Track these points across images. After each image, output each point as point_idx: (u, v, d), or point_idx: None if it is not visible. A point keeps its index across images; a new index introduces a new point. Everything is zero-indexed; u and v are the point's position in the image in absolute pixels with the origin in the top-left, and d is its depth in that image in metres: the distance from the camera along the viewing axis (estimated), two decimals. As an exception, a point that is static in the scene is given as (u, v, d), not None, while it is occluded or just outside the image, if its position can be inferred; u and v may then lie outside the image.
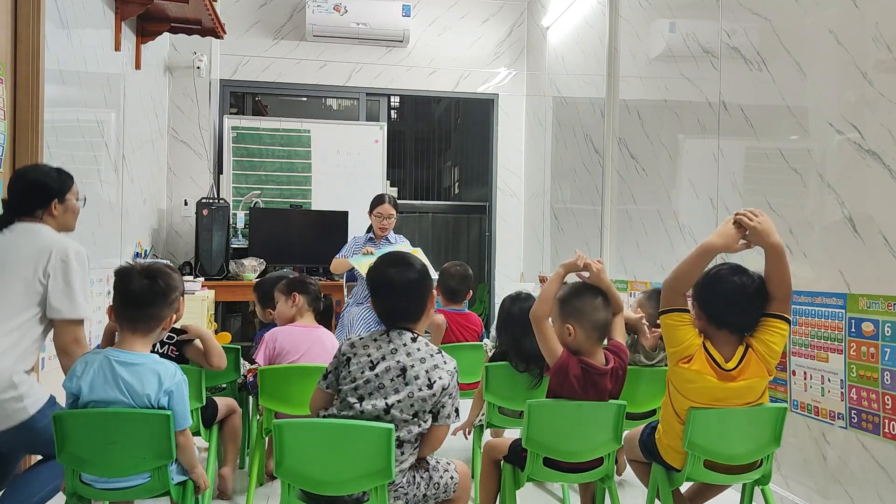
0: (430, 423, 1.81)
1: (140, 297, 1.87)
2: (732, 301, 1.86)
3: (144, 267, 1.92)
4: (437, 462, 1.91)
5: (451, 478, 1.90)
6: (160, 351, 2.26)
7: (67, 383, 1.83)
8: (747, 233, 1.87)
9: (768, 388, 1.94)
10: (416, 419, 1.77)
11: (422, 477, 1.85)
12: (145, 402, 1.81)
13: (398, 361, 1.77)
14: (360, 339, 1.84)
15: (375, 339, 1.82)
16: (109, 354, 1.83)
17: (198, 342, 2.31)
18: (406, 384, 1.75)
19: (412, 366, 1.76)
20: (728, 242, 1.87)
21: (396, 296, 1.86)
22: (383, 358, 1.77)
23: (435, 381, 1.76)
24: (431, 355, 1.80)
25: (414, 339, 1.82)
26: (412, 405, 1.75)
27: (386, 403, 1.74)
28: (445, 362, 1.81)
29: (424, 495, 1.84)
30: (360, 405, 1.74)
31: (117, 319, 1.92)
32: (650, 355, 2.51)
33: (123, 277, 1.89)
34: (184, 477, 1.92)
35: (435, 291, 3.52)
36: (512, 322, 2.48)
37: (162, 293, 1.89)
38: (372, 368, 1.76)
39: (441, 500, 1.89)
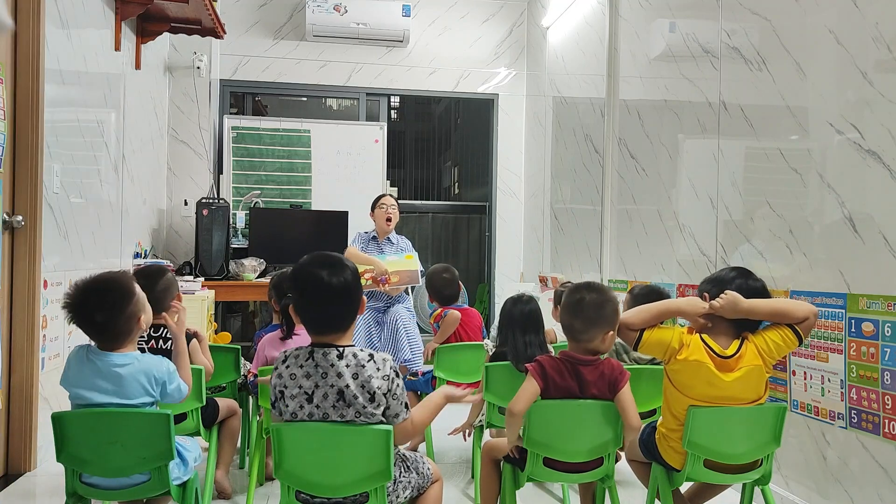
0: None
1: (96, 326, 1.82)
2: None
3: (84, 295, 1.81)
4: (412, 456, 1.90)
5: (428, 468, 1.90)
6: (164, 347, 2.28)
7: (63, 382, 1.85)
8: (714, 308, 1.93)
9: (769, 387, 1.94)
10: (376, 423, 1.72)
11: (405, 470, 1.84)
12: (135, 398, 1.82)
13: (332, 386, 1.67)
14: (286, 366, 1.72)
15: (301, 366, 1.70)
16: (93, 357, 1.82)
17: (195, 342, 2.33)
18: (348, 406, 1.67)
19: (347, 386, 1.66)
20: (694, 310, 1.95)
21: (327, 302, 1.71)
22: (316, 386, 1.68)
23: (375, 392, 1.67)
24: (363, 366, 1.68)
25: (340, 356, 1.69)
26: (365, 419, 1.69)
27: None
28: (378, 368, 1.69)
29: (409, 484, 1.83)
30: None
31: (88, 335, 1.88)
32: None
33: (75, 315, 1.82)
34: (184, 477, 1.92)
35: (429, 297, 3.55)
36: (512, 323, 2.49)
37: (112, 317, 1.81)
38: (310, 401, 1.68)
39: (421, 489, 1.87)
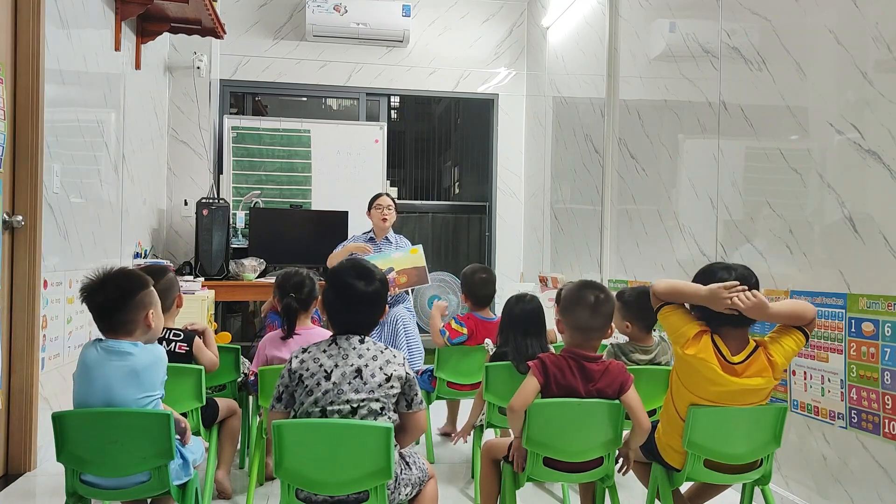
0: (396, 417, 1.84)
1: (105, 308, 1.87)
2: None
3: (101, 278, 1.89)
4: (408, 452, 1.93)
5: (423, 463, 1.93)
6: (167, 349, 2.29)
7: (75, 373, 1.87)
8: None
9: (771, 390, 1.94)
10: (384, 413, 1.78)
11: (406, 468, 1.87)
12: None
13: (352, 365, 1.79)
14: (308, 352, 1.83)
15: (324, 350, 1.83)
16: (100, 345, 1.86)
17: (197, 341, 2.38)
18: (365, 383, 1.77)
19: (366, 365, 1.79)
20: (715, 305, 1.90)
21: (359, 308, 1.87)
22: (336, 365, 1.79)
23: (391, 374, 1.80)
24: (381, 352, 1.83)
25: (362, 341, 1.84)
26: (377, 400, 1.77)
27: (350, 406, 1.75)
28: (395, 356, 1.85)
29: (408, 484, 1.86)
30: (325, 417, 1.75)
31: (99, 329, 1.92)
32: (647, 350, 2.51)
33: (88, 294, 1.88)
34: (184, 478, 1.92)
35: (462, 297, 3.41)
36: (514, 323, 2.48)
37: (122, 298, 1.86)
38: (328, 378, 1.77)
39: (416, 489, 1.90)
